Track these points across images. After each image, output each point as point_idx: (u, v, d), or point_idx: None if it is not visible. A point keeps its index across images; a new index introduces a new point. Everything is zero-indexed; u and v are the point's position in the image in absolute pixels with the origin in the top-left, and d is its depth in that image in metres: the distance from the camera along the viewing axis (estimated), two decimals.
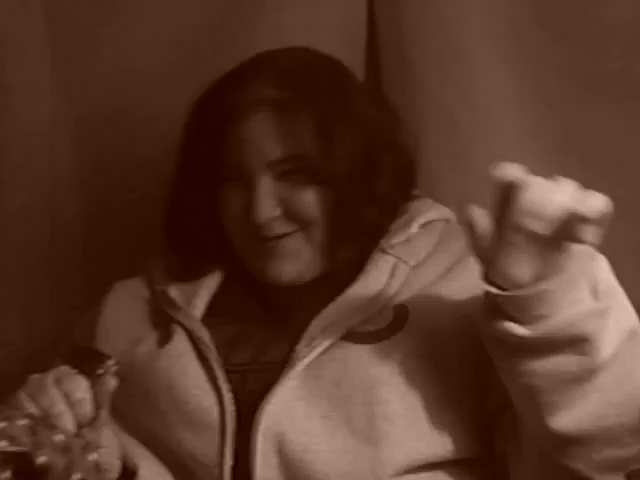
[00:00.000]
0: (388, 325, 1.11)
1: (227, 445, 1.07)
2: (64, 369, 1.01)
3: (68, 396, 0.98)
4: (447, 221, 1.22)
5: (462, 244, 1.06)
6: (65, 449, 0.96)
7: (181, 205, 1.22)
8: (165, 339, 1.17)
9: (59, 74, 1.49)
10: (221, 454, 1.07)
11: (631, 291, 1.01)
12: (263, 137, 1.15)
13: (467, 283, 1.10)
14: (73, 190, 1.52)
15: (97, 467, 0.97)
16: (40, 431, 0.96)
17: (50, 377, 1.00)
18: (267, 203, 1.14)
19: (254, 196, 1.14)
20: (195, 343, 1.14)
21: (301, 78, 1.17)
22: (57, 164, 1.51)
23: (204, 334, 1.15)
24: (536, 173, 1.33)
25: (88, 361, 1.02)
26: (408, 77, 1.42)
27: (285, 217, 1.15)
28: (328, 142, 1.14)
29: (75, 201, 1.52)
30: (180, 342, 1.15)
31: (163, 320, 1.19)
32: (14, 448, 0.94)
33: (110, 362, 1.01)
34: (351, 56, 1.39)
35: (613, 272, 1.00)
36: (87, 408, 0.98)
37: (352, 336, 1.10)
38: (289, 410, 1.07)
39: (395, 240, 1.17)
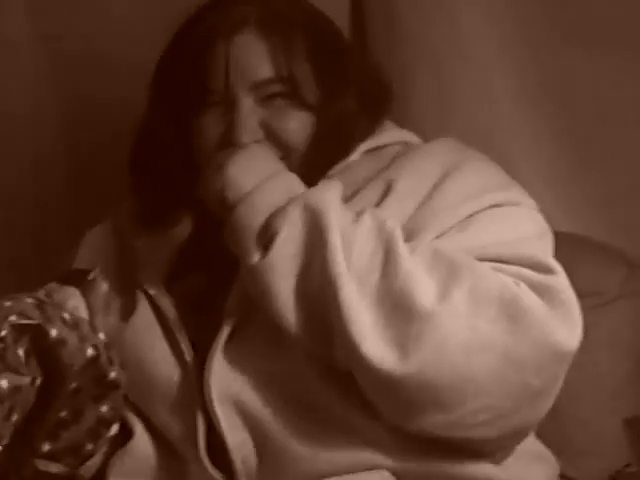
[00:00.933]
0: None
1: (198, 419, 1.05)
2: (52, 284, 1.00)
3: (61, 306, 0.97)
4: (405, 144, 1.17)
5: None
6: (74, 325, 0.94)
7: (150, 142, 1.14)
8: (130, 309, 1.12)
9: (37, 27, 1.48)
10: (194, 428, 1.05)
11: None
12: (249, 56, 1.09)
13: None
14: (57, 143, 1.52)
15: (107, 345, 0.97)
16: (48, 309, 0.94)
17: (40, 292, 0.98)
18: (250, 124, 1.08)
19: (236, 117, 1.08)
20: (159, 312, 1.10)
21: (287, 2, 1.13)
22: (40, 118, 1.51)
23: (166, 304, 1.10)
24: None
25: (74, 274, 1.01)
26: (393, 24, 1.41)
27: (269, 140, 1.09)
28: (316, 66, 1.10)
29: (59, 154, 1.53)
30: (144, 312, 1.10)
31: (129, 282, 1.14)
32: (26, 320, 0.91)
33: (97, 269, 1.00)
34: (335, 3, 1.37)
35: None
36: (82, 315, 0.98)
37: None
38: (233, 370, 1.05)
39: (333, 171, 1.11)
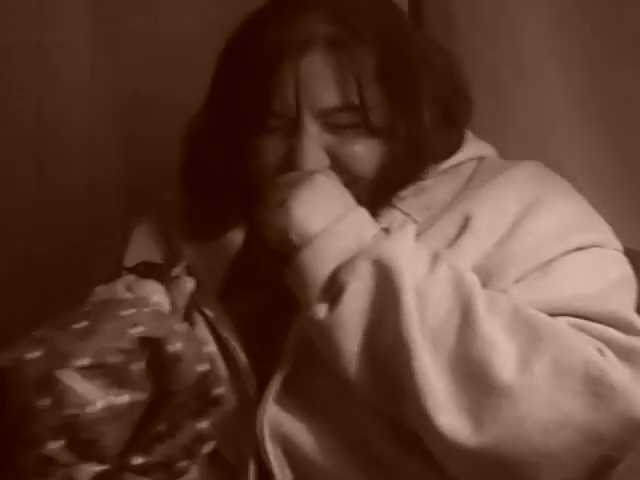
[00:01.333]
0: None
1: (249, 454, 1.03)
2: (130, 277, 0.94)
3: (167, 316, 0.91)
4: (480, 159, 1.11)
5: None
6: (188, 338, 0.88)
7: (204, 154, 1.10)
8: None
9: (98, 33, 1.49)
10: (245, 461, 1.03)
11: None
12: (317, 81, 1.01)
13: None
14: (112, 150, 1.53)
15: (213, 361, 0.92)
16: (162, 318, 0.89)
17: (119, 284, 0.94)
18: (314, 151, 1.02)
19: (300, 142, 1.02)
20: (217, 334, 1.06)
21: (357, 12, 1.03)
22: (96, 123, 1.52)
23: (228, 332, 1.06)
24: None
25: (156, 267, 0.95)
26: (453, 41, 1.38)
27: (336, 168, 1.03)
28: (388, 86, 1.02)
29: (114, 159, 1.53)
30: (201, 333, 1.06)
31: None
32: (151, 334, 0.86)
33: (183, 263, 0.94)
34: None
35: None
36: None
37: None
38: (288, 410, 1.02)
39: (406, 192, 1.06)
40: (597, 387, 0.91)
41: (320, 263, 0.95)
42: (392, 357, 0.92)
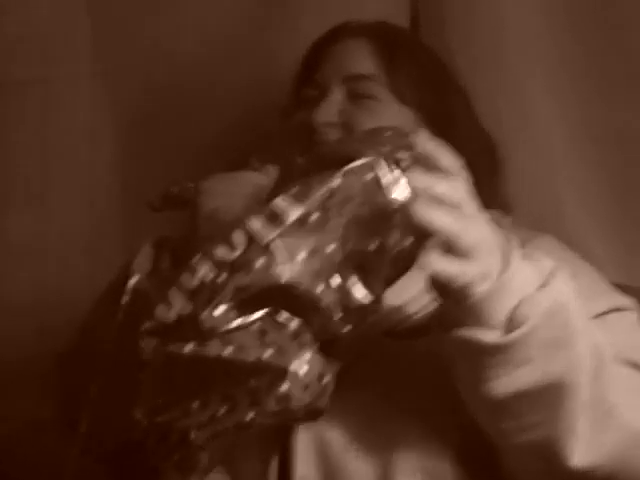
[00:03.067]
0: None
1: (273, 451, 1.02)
2: None
3: None
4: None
5: None
6: None
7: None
8: None
9: (100, 67, 1.50)
10: (266, 451, 1.03)
11: None
12: (354, 53, 1.16)
13: None
14: (114, 182, 1.53)
15: None
16: None
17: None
18: (330, 107, 1.13)
19: (321, 101, 1.14)
20: None
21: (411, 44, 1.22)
22: (98, 156, 1.52)
23: None
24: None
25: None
26: None
27: (341, 128, 1.13)
28: (403, 75, 1.15)
29: (116, 192, 1.53)
30: None
31: None
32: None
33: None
34: None
35: None
36: None
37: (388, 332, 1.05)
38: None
39: None
40: None
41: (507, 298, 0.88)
42: (544, 395, 0.90)
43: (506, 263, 0.86)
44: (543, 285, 0.88)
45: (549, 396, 0.88)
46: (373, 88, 1.14)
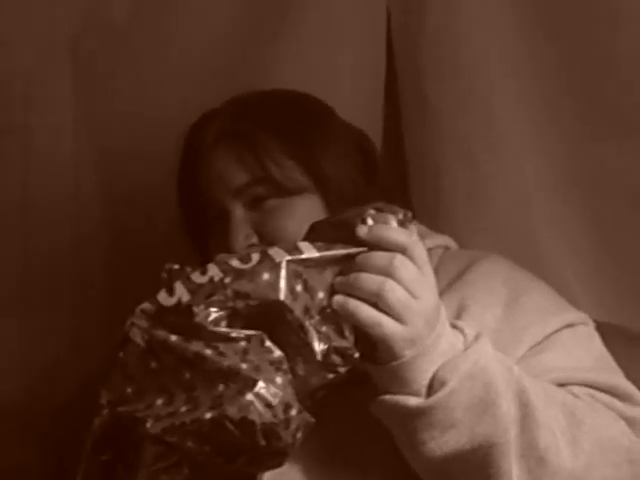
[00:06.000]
0: None
1: None
2: None
3: None
4: (446, 248, 1.18)
5: (459, 269, 1.07)
6: None
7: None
8: None
9: (81, 114, 1.51)
10: None
11: None
12: (226, 167, 1.13)
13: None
14: (99, 228, 1.54)
15: None
16: None
17: None
18: (240, 232, 1.11)
19: (228, 227, 1.11)
20: None
21: (263, 111, 1.17)
22: (82, 202, 1.53)
23: None
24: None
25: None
26: (428, 123, 1.43)
27: (262, 244, 1.10)
28: (292, 159, 1.12)
29: (101, 238, 1.54)
30: None
31: None
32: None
33: None
34: (372, 92, 1.45)
35: None
36: None
37: None
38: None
39: None
40: (632, 456, 0.98)
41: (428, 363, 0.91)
42: (475, 454, 0.92)
43: (430, 329, 0.89)
44: (464, 350, 0.92)
45: (480, 457, 0.91)
46: (262, 187, 1.12)
